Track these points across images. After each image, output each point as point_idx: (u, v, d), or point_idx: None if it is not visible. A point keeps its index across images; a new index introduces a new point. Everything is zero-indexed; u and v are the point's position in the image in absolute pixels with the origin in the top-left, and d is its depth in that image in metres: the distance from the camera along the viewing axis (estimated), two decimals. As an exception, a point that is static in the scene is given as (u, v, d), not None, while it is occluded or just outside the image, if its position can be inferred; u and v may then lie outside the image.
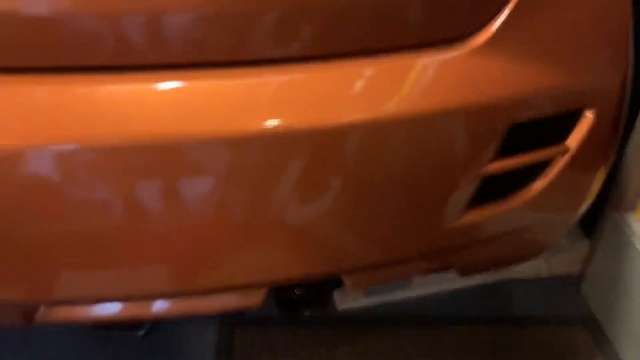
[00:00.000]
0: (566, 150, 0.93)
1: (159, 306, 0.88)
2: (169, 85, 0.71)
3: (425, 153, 0.81)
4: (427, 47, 0.79)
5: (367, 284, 0.99)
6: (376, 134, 0.76)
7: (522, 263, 1.20)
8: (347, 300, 1.37)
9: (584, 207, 1.04)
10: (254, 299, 0.88)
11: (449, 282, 1.41)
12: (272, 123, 0.72)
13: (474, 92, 0.80)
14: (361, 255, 0.89)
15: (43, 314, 0.83)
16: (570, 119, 0.92)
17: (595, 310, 1.41)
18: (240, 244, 0.80)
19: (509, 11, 0.80)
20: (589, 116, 0.92)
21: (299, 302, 0.97)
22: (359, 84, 0.77)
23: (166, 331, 1.28)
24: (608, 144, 0.99)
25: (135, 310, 0.88)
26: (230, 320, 1.32)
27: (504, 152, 0.85)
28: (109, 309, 0.87)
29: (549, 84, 0.85)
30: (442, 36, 0.79)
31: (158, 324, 1.27)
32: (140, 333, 1.25)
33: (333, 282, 0.94)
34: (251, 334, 1.28)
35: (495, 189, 0.90)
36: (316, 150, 0.74)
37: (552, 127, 0.91)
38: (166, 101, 0.71)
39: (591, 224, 1.45)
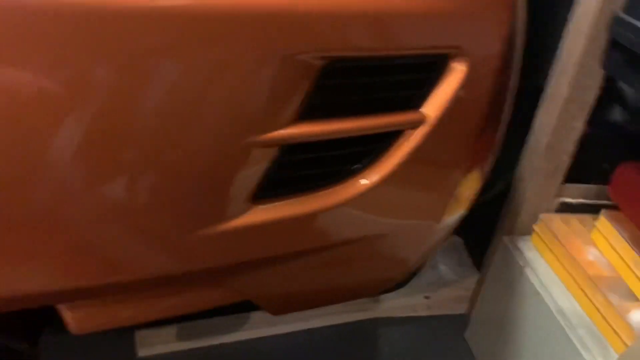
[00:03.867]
0: (420, 121, 0.60)
1: None
2: None
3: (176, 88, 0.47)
4: None
5: (102, 321, 0.60)
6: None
7: (366, 297, 0.84)
8: (151, 342, 1.05)
9: (453, 216, 0.73)
10: None
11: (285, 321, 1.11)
12: None
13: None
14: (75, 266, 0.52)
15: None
16: (427, 74, 0.60)
17: (481, 360, 1.19)
18: None
19: None
20: (458, 69, 0.60)
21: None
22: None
23: None
24: (487, 122, 0.67)
25: None
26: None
27: (318, 111, 0.54)
28: None
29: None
30: None
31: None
32: None
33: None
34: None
35: (302, 173, 0.58)
36: None
37: (399, 80, 0.59)
38: None
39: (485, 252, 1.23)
